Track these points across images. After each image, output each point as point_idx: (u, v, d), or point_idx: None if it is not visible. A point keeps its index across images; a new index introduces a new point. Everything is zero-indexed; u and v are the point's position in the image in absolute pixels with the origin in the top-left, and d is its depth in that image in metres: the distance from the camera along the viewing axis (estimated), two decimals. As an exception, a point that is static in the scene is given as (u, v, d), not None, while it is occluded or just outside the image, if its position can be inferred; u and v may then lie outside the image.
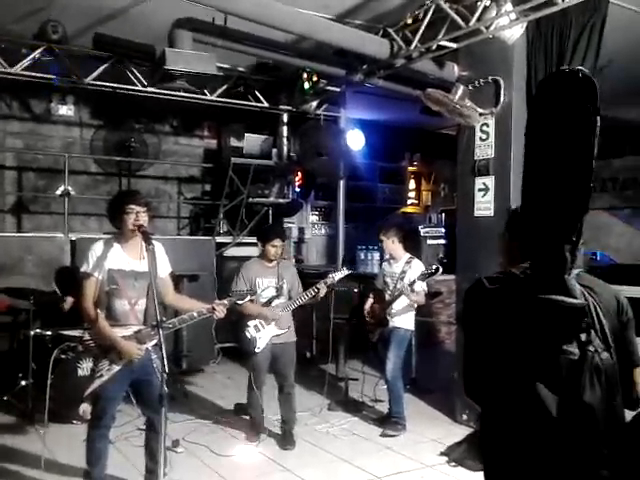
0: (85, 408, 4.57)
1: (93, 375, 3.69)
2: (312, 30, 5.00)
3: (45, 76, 6.80)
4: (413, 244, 7.19)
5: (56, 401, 5.26)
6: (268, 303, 5.11)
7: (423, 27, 5.13)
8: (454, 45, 5.21)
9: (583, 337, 1.84)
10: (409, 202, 12.18)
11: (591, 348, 1.82)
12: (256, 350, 5.02)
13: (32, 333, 5.61)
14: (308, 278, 6.95)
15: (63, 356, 5.47)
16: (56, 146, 8.93)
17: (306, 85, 6.68)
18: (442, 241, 8.27)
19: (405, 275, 5.44)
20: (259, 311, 5.04)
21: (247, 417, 5.44)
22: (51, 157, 8.77)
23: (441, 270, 5.18)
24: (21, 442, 5.03)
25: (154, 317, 3.63)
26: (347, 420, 5.80)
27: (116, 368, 3.65)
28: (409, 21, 5.25)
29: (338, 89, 7.40)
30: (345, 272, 5.47)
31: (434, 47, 5.24)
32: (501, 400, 2.02)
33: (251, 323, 5.04)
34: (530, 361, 1.91)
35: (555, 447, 1.87)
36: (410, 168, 12.19)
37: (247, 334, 5.04)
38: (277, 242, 5.13)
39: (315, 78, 6.61)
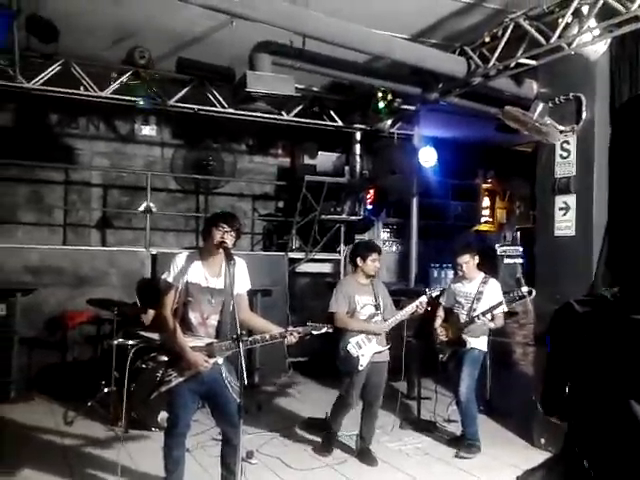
0: (164, 416, 4.75)
1: (162, 381, 3.81)
2: (389, 50, 5.05)
3: (131, 99, 7.16)
4: (489, 263, 7.07)
5: (137, 409, 5.48)
6: (368, 320, 5.09)
7: (501, 45, 5.08)
8: (533, 62, 5.13)
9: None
10: (482, 220, 11.94)
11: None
12: (359, 368, 4.99)
13: (115, 342, 5.87)
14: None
15: (144, 365, 5.68)
16: (139, 165, 9.35)
17: (381, 104, 6.74)
18: (519, 260, 8.07)
19: (482, 296, 5.33)
20: (364, 326, 5.03)
21: (320, 431, 5.46)
22: (134, 175, 9.18)
23: (534, 293, 5.05)
24: (101, 447, 5.22)
25: (227, 333, 3.76)
26: (419, 439, 5.74)
27: (183, 377, 3.76)
28: (487, 39, 5.22)
29: (413, 107, 7.41)
30: (440, 289, 5.49)
31: (512, 65, 5.17)
32: (590, 420, 1.97)
33: (353, 340, 5.00)
34: (623, 382, 1.85)
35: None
36: (484, 185, 11.97)
37: (350, 351, 5.01)
38: (375, 256, 5.16)
39: (390, 97, 6.65)
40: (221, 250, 3.78)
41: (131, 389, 5.44)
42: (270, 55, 4.97)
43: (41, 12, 5.52)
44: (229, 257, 3.72)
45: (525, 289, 5.08)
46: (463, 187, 11.49)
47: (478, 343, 5.38)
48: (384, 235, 10.39)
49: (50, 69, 6.65)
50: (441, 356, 5.58)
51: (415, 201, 8.56)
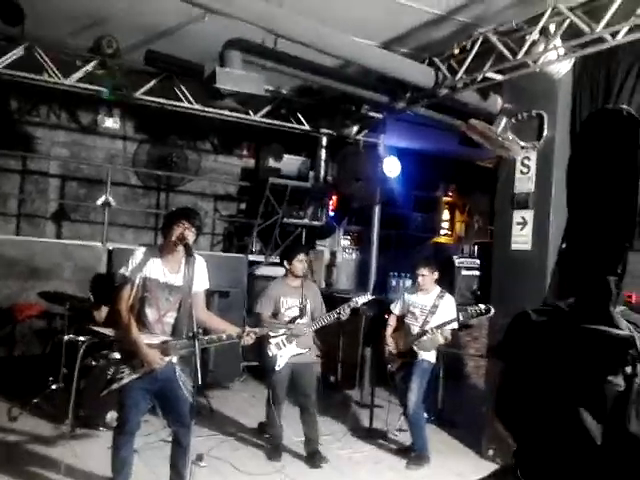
0: (113, 415, 4.65)
1: (113, 378, 3.73)
2: (359, 56, 5.07)
3: (95, 88, 6.99)
4: (447, 274, 7.15)
5: (85, 407, 5.35)
6: (291, 322, 5.15)
7: (470, 58, 5.17)
8: (500, 77, 5.23)
9: (629, 370, 1.82)
10: (442, 232, 12.13)
11: (637, 380, 1.80)
12: (276, 368, 5.08)
13: (65, 338, 5.71)
14: (337, 302, 6.96)
15: (94, 362, 5.54)
16: (99, 157, 9.15)
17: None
18: (476, 272, 8.19)
19: (437, 310, 5.37)
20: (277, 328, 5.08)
21: (267, 435, 5.44)
22: (94, 168, 8.99)
23: (493, 312, 5.10)
24: (46, 445, 5.09)
25: (182, 331, 3.72)
26: (370, 447, 5.75)
27: (136, 375, 3.70)
28: (456, 51, 5.29)
29: (380, 115, 7.46)
30: (369, 297, 5.50)
31: (479, 78, 5.26)
32: (541, 429, 2.00)
33: (273, 341, 5.08)
34: (574, 390, 1.89)
35: (598, 476, 1.84)
36: (445, 198, 12.17)
37: (269, 351, 5.09)
38: (302, 257, 5.24)
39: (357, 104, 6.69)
40: (181, 247, 3.73)
41: (80, 386, 5.30)
42: (241, 53, 4.94)
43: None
44: (189, 254, 3.67)
45: (483, 306, 5.13)
46: (425, 198, 11.65)
47: (428, 355, 5.40)
48: (344, 242, 10.42)
49: (12, 52, 6.43)
50: (389, 366, 5.60)
51: (377, 210, 8.59)
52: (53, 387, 5.78)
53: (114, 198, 8.16)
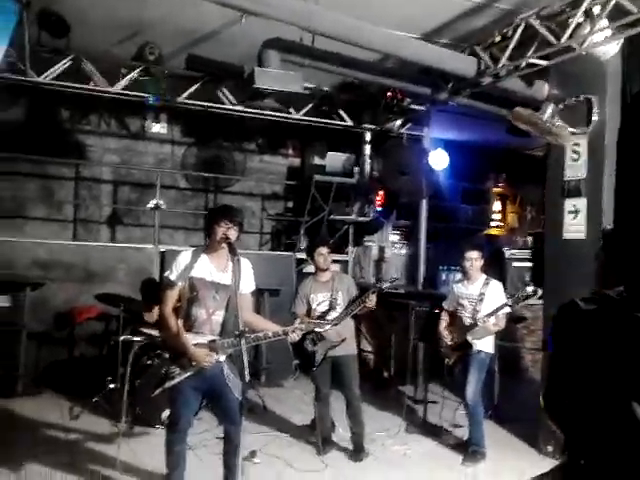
0: (167, 414, 4.74)
1: (165, 377, 3.79)
2: (397, 48, 5.02)
3: (141, 95, 7.17)
4: (497, 266, 7.01)
5: (141, 405, 5.48)
6: (322, 317, 5.12)
7: (512, 45, 5.03)
8: (544, 63, 5.08)
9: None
10: (493, 224, 11.87)
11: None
12: (315, 363, 5.08)
13: (121, 339, 5.87)
14: (387, 297, 6.91)
15: (149, 362, 5.68)
16: (149, 162, 9.37)
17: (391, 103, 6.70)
18: (528, 264, 7.98)
19: (484, 297, 5.29)
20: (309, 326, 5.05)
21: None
22: (144, 172, 9.19)
23: (539, 292, 5.01)
24: (105, 443, 5.24)
25: (230, 330, 3.73)
26: (425, 444, 5.68)
27: (186, 374, 3.74)
28: (497, 39, 5.17)
29: (423, 108, 7.37)
30: (390, 282, 5.36)
31: (523, 65, 5.12)
32: (591, 421, 1.93)
33: (308, 337, 5.05)
34: (627, 383, 1.81)
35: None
36: (495, 189, 11.90)
37: (305, 348, 5.09)
38: (323, 250, 5.21)
39: (400, 96, 6.62)
40: (225, 245, 3.76)
41: (136, 385, 5.44)
42: (279, 52, 4.97)
43: (53, 7, 5.54)
44: (233, 252, 3.70)
45: (530, 289, 5.03)
46: (474, 190, 11.42)
47: (484, 345, 5.32)
48: (393, 237, 10.33)
49: (60, 64, 6.66)
50: (447, 360, 5.54)
51: (425, 203, 8.51)
52: (111, 386, 5.95)
53: (164, 201, 8.32)
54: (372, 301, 5.04)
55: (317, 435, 5.34)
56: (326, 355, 5.10)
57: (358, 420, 5.25)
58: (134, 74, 6.88)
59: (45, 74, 6.62)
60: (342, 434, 5.47)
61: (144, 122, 9.20)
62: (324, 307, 5.19)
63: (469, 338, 5.27)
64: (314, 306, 5.20)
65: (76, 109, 8.83)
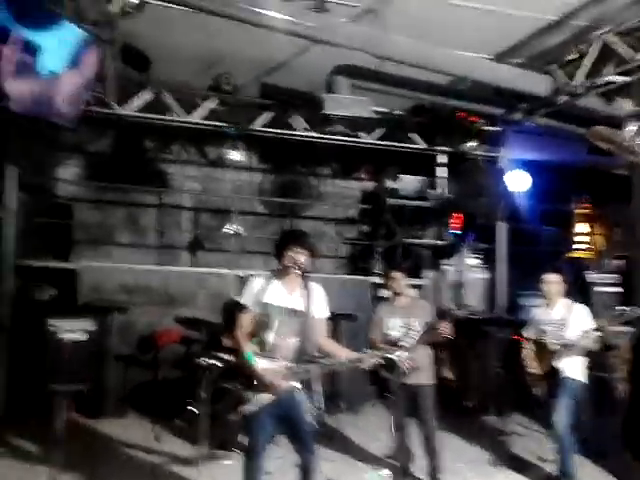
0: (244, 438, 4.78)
1: (240, 403, 3.81)
2: (469, 70, 4.99)
3: (218, 124, 7.43)
4: (580, 291, 6.70)
5: (221, 429, 5.54)
6: (395, 344, 4.94)
7: (588, 62, 4.87)
8: (624, 79, 4.88)
9: None
10: (578, 247, 11.35)
11: None
12: (389, 390, 4.94)
13: (202, 362, 6.02)
14: (466, 323, 6.73)
15: (228, 386, 5.76)
16: (227, 188, 9.65)
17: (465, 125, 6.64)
18: (617, 289, 7.56)
19: (568, 322, 5.06)
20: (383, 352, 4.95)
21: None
22: (223, 198, 9.47)
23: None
24: (185, 466, 5.33)
25: (305, 355, 3.72)
26: (510, 478, 5.43)
27: (261, 400, 3.74)
28: (573, 56, 5.02)
29: (497, 129, 7.24)
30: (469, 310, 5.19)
31: (601, 82, 4.94)
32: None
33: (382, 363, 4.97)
34: None
35: None
36: (578, 211, 11.40)
37: (381, 375, 4.90)
38: (396, 274, 5.12)
39: (473, 119, 6.54)
40: (296, 271, 3.80)
41: (215, 409, 5.52)
42: (348, 78, 5.03)
43: (135, 42, 5.87)
44: (304, 277, 3.73)
45: (628, 309, 4.72)
46: (555, 212, 10.98)
47: (574, 372, 5.05)
48: (471, 261, 10.09)
49: (143, 96, 7.00)
50: (534, 390, 5.29)
51: (503, 226, 8.31)
52: (191, 409, 6.08)
53: (242, 226, 8.53)
54: (447, 329, 4.88)
55: (397, 464, 5.20)
56: (400, 383, 4.94)
57: (435, 453, 5.06)
58: (211, 104, 7.14)
59: (128, 107, 6.97)
60: (422, 464, 5.32)
61: (222, 150, 9.51)
62: (398, 333, 5.06)
63: (556, 364, 5.05)
64: (388, 331, 5.09)
65: (158, 139, 9.27)
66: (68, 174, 8.92)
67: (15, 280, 6.81)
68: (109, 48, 4.49)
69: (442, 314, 5.30)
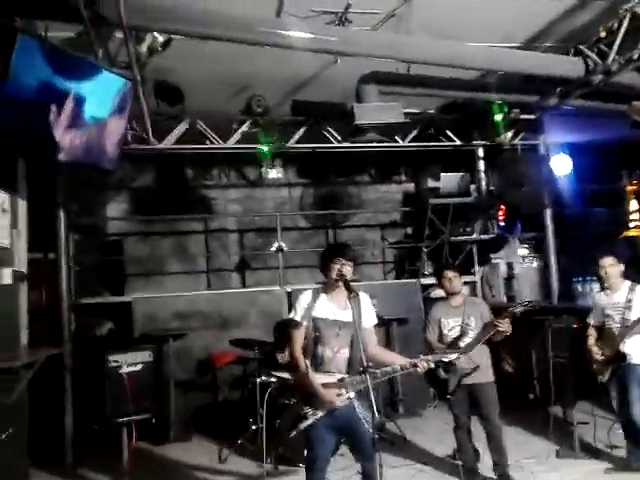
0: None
1: (298, 418, 3.83)
2: (498, 63, 4.91)
3: (254, 146, 7.57)
4: (638, 270, 6.48)
5: (284, 445, 5.59)
6: (454, 343, 4.95)
7: (619, 38, 4.74)
8: (659, 50, 4.73)
9: None
10: (632, 225, 10.98)
11: None
12: (448, 391, 4.91)
13: (258, 381, 6.09)
14: (522, 315, 6.58)
15: (286, 402, 5.81)
16: (269, 207, 9.80)
17: (498, 118, 6.54)
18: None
19: (632, 304, 4.93)
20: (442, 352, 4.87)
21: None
22: (265, 217, 9.60)
23: None
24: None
25: (357, 366, 3.71)
26: (579, 468, 5.29)
27: (319, 414, 3.77)
28: (603, 34, 4.89)
29: (533, 116, 7.11)
30: (526, 304, 4.95)
31: (635, 56, 4.80)
32: None
33: (439, 364, 4.74)
34: None
35: None
36: (629, 187, 11.04)
37: (439, 376, 4.92)
38: (449, 273, 5.10)
39: (506, 109, 6.44)
40: (342, 282, 3.81)
41: (276, 426, 5.58)
42: (376, 85, 5.03)
43: (167, 78, 6.04)
44: (349, 289, 3.74)
45: None
46: (604, 192, 10.67)
47: None
48: (522, 251, 9.90)
49: (178, 128, 7.19)
50: (600, 377, 5.17)
51: (549, 213, 8.14)
52: (253, 427, 6.16)
53: (287, 242, 8.60)
54: (505, 325, 4.81)
55: (463, 465, 5.15)
56: (460, 383, 4.93)
57: (501, 451, 5.01)
58: (245, 127, 7.29)
59: (166, 140, 7.16)
60: (488, 462, 5.24)
61: (260, 169, 9.62)
62: (456, 333, 5.04)
63: (623, 348, 4.91)
64: (445, 331, 5.08)
65: (198, 167, 9.50)
66: (116, 211, 9.24)
67: (74, 318, 7.03)
68: (142, 86, 4.61)
69: (498, 310, 5.21)
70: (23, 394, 4.35)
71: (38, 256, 6.63)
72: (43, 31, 4.11)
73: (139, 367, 4.44)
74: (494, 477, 5.07)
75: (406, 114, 5.61)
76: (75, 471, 6.01)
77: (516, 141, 8.03)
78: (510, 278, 9.41)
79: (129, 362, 4.40)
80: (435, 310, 5.24)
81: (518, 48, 5.49)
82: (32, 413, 4.62)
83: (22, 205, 4.67)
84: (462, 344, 4.92)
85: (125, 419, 4.30)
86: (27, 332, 4.76)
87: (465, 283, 8.90)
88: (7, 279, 4.19)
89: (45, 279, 6.78)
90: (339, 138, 7.59)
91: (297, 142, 7.63)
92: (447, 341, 5.03)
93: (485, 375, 5.01)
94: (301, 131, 7.52)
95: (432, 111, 7.75)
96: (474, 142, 8.24)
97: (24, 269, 4.68)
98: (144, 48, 4.64)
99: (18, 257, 4.48)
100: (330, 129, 7.57)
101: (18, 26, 3.85)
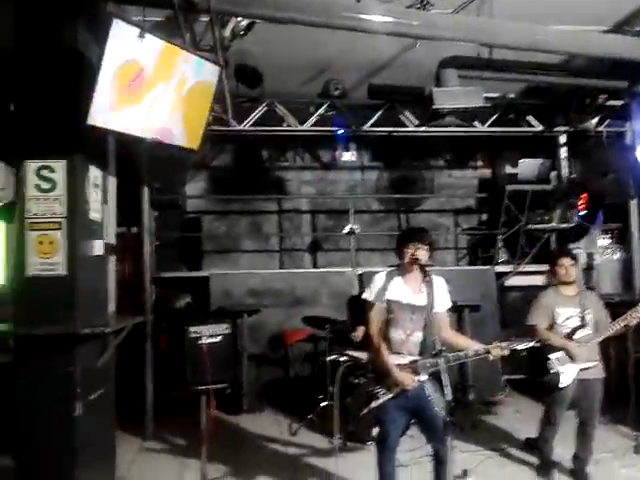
0: (376, 431, 4.90)
1: (371, 397, 3.91)
2: (584, 47, 4.74)
3: (330, 129, 7.69)
4: None
5: (352, 422, 5.70)
6: (571, 334, 4.78)
7: None
8: None
9: None
10: None
11: None
12: (560, 385, 4.73)
13: (328, 359, 6.23)
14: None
15: (357, 381, 5.92)
16: (342, 189, 9.87)
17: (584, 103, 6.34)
18: None
19: None
20: (563, 343, 4.74)
21: (537, 452, 5.20)
22: (337, 200, 9.70)
23: None
24: (322, 458, 5.57)
25: (429, 350, 3.77)
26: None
27: (390, 394, 3.84)
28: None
29: (620, 102, 6.83)
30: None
31: None
32: None
33: (553, 356, 4.74)
34: None
35: None
36: None
37: (550, 367, 4.75)
38: (565, 261, 4.87)
39: (593, 94, 6.22)
40: (417, 265, 3.85)
41: (346, 404, 5.70)
42: (456, 69, 4.98)
43: (247, 61, 6.19)
44: (424, 273, 3.78)
45: None
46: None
47: None
48: (603, 242, 9.56)
49: (257, 111, 7.40)
50: None
51: (635, 203, 7.83)
52: (323, 404, 6.32)
53: (359, 225, 8.66)
54: (637, 319, 4.68)
55: (540, 456, 5.09)
56: (575, 377, 4.73)
57: (588, 447, 4.91)
58: (322, 110, 7.38)
59: (245, 122, 7.39)
60: (561, 453, 5.15)
61: (335, 152, 9.71)
62: (573, 323, 4.80)
63: None
64: (560, 321, 4.82)
65: (274, 148, 9.67)
66: (195, 190, 9.55)
67: (155, 290, 7.38)
68: (224, 70, 4.76)
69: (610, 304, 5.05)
70: (111, 358, 4.63)
71: (122, 230, 6.97)
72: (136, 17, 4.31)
73: (218, 339, 4.61)
74: (568, 467, 5.01)
75: (486, 98, 5.53)
76: (155, 433, 6.37)
77: (601, 128, 7.74)
78: (589, 269, 9.13)
79: (208, 334, 4.59)
80: (546, 298, 4.95)
81: (607, 32, 5.29)
82: (117, 378, 4.91)
83: (112, 181, 4.91)
84: (580, 336, 4.74)
85: (204, 387, 4.50)
86: (115, 301, 5.05)
87: (541, 273, 8.74)
88: (99, 250, 4.45)
89: (128, 253, 7.12)
90: (415, 122, 7.56)
91: (373, 125, 7.66)
92: (562, 332, 4.79)
93: (599, 371, 4.82)
94: (377, 114, 7.53)
95: (512, 95, 7.59)
96: (556, 128, 8.00)
97: (113, 242, 4.95)
98: (227, 32, 4.79)
99: (108, 230, 4.74)
100: (406, 113, 7.55)
101: (112, 11, 4.03)
